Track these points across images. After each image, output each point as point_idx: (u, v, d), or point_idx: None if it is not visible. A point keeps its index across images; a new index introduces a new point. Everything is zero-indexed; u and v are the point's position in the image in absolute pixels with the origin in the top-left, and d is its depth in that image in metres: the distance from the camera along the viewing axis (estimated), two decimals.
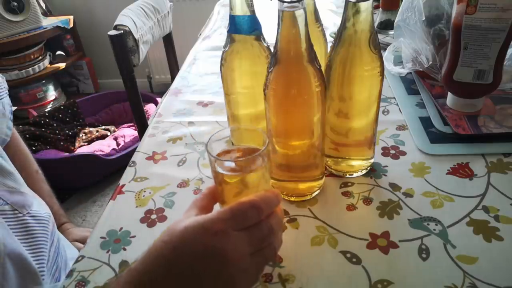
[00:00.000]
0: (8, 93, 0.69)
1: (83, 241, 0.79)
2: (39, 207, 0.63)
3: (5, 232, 0.52)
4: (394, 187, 0.53)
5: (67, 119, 2.03)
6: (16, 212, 0.56)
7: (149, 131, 0.71)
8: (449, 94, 0.67)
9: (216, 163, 0.40)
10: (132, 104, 1.21)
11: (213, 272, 0.33)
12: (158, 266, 0.33)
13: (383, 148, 0.61)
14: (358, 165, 0.56)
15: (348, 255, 0.45)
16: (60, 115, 2.02)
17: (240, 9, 0.48)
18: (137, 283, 0.33)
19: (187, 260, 0.33)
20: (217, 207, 0.43)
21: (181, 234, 0.34)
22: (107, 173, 1.82)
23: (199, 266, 0.33)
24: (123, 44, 1.09)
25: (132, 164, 0.62)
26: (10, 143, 0.72)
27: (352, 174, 0.56)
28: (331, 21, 1.10)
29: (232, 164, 0.41)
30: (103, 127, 2.03)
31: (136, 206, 0.54)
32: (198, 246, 0.33)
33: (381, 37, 0.99)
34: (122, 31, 1.08)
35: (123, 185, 0.58)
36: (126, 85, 1.16)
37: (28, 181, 0.65)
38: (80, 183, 1.82)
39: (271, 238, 0.38)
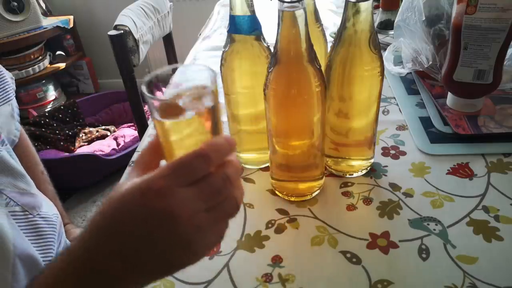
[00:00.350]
0: (15, 94, 0.69)
1: None
2: (48, 208, 0.63)
3: (16, 233, 0.52)
4: (394, 187, 0.53)
5: (67, 119, 2.03)
6: (27, 213, 0.56)
7: (149, 131, 0.71)
8: (449, 94, 0.67)
9: (153, 104, 0.33)
10: (132, 104, 1.21)
11: (162, 234, 0.30)
12: (98, 239, 0.30)
13: (383, 148, 0.61)
14: (358, 165, 0.56)
15: (348, 255, 0.45)
16: (60, 115, 2.02)
17: (240, 9, 0.48)
18: (72, 260, 0.31)
19: (128, 228, 0.30)
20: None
21: (118, 201, 0.30)
22: (107, 173, 1.82)
23: (143, 230, 0.30)
24: (123, 44, 1.09)
25: (132, 164, 0.62)
26: (19, 144, 0.72)
27: (352, 174, 0.56)
28: (331, 21, 1.10)
29: (173, 105, 0.33)
30: (103, 127, 2.03)
31: None
32: (138, 210, 0.30)
33: (381, 37, 0.99)
34: (122, 31, 1.07)
35: None
36: (126, 85, 1.16)
37: (34, 182, 0.65)
38: (80, 183, 1.82)
39: (228, 189, 0.33)
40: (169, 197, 0.30)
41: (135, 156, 0.64)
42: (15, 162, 0.58)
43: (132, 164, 0.62)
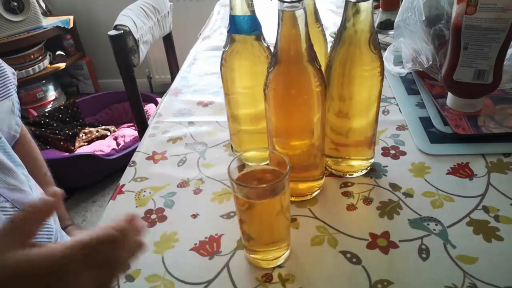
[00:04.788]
0: (16, 90, 0.69)
1: None
2: None
3: None
4: (394, 187, 0.53)
5: (67, 119, 2.03)
6: (17, 209, 0.56)
7: (149, 131, 0.71)
8: (449, 94, 0.67)
9: (241, 190, 0.40)
10: (132, 104, 1.21)
11: None
12: None
13: (383, 148, 0.61)
14: (358, 165, 0.55)
15: (348, 255, 0.45)
16: (60, 115, 2.02)
17: (240, 9, 0.48)
18: None
19: None
20: None
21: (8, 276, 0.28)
22: (107, 173, 1.82)
23: None
24: (123, 44, 1.09)
25: (132, 164, 0.62)
26: (20, 142, 0.71)
27: (352, 174, 0.56)
28: (331, 21, 1.11)
29: (257, 191, 0.42)
30: (103, 127, 2.03)
31: (136, 206, 0.54)
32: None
33: (381, 37, 0.99)
34: (122, 31, 1.07)
35: (123, 185, 0.58)
36: (126, 85, 1.16)
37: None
38: (80, 183, 1.82)
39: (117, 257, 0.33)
40: (73, 282, 0.30)
41: (135, 156, 0.64)
42: (5, 157, 0.58)
43: (132, 165, 0.62)
